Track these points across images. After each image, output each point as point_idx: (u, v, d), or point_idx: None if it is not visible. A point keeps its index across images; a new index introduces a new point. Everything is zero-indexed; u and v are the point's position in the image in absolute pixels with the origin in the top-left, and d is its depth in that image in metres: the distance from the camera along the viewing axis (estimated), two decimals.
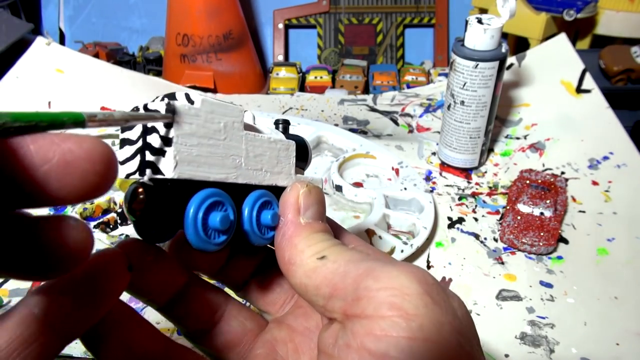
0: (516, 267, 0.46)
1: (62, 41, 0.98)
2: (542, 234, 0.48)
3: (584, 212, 0.52)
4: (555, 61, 0.66)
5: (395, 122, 0.69)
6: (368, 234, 0.48)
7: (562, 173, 0.57)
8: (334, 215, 0.52)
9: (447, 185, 0.57)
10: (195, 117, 0.20)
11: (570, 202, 0.54)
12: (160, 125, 0.19)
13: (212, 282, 0.25)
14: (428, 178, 0.58)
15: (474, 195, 0.56)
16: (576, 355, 0.38)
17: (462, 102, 0.54)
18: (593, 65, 0.71)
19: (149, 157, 0.19)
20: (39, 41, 0.71)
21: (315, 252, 0.20)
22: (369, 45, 0.93)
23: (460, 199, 0.55)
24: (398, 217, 0.50)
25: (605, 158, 0.57)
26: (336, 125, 0.67)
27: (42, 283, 0.18)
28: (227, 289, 0.26)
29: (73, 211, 0.50)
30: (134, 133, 0.20)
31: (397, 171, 0.57)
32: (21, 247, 0.14)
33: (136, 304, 0.43)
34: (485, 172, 0.59)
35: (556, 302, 0.43)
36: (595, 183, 0.55)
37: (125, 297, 0.45)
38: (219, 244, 0.20)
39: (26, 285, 0.44)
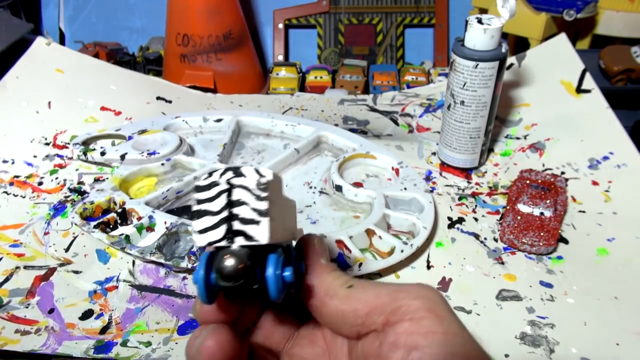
0: (516, 267, 0.46)
1: (62, 41, 0.98)
2: (542, 234, 0.48)
3: (584, 212, 0.52)
4: (555, 61, 0.66)
5: (395, 122, 0.69)
6: (368, 234, 0.48)
7: (562, 173, 0.57)
8: (334, 215, 0.52)
9: (447, 185, 0.57)
10: (270, 190, 0.23)
11: (570, 202, 0.54)
12: (250, 198, 0.22)
13: None
14: (428, 178, 0.58)
15: (474, 195, 0.56)
16: (576, 355, 0.38)
17: (462, 102, 0.54)
18: (593, 65, 0.71)
19: (237, 226, 0.22)
20: (39, 41, 0.71)
21: (343, 283, 0.25)
22: (369, 45, 0.93)
23: (460, 199, 0.55)
24: (398, 217, 0.50)
25: (605, 158, 0.57)
26: (336, 125, 0.67)
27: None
28: None
29: (73, 211, 0.50)
30: (216, 205, 0.23)
31: (397, 171, 0.57)
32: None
33: (136, 304, 0.43)
34: (485, 172, 0.59)
35: (556, 302, 0.43)
36: (595, 183, 0.55)
37: (126, 296, 0.45)
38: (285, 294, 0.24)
39: (26, 285, 0.44)
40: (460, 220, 0.52)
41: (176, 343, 0.39)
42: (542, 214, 0.50)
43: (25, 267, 0.46)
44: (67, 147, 0.62)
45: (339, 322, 0.24)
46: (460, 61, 0.52)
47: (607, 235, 0.49)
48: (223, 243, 0.22)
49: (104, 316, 0.42)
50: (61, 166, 0.59)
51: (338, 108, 0.73)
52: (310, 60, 0.94)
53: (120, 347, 0.39)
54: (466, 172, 0.59)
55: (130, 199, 0.52)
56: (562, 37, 0.67)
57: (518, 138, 0.63)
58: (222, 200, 0.23)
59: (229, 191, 0.23)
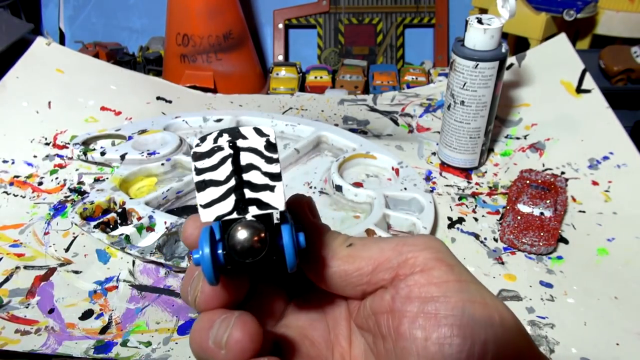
0: (516, 267, 0.46)
1: (62, 41, 0.98)
2: (542, 234, 0.48)
3: (584, 212, 0.52)
4: (555, 61, 0.66)
5: (395, 122, 0.69)
6: (368, 234, 0.48)
7: (562, 173, 0.57)
8: (334, 215, 0.52)
9: (447, 185, 0.57)
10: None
11: (570, 202, 0.54)
12: (260, 162, 0.20)
13: None
14: (428, 178, 0.58)
15: (474, 195, 0.56)
16: (576, 355, 0.38)
17: (462, 102, 0.54)
18: (593, 65, 0.71)
19: (249, 194, 0.20)
20: (39, 41, 0.71)
21: (342, 242, 0.23)
22: (369, 45, 0.93)
23: (460, 199, 0.55)
24: (398, 217, 0.50)
25: (605, 158, 0.57)
26: (336, 125, 0.67)
27: None
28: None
29: (73, 211, 0.50)
30: (221, 173, 0.20)
31: (397, 171, 0.57)
32: None
33: (136, 304, 0.43)
34: (485, 172, 0.59)
35: (556, 302, 0.43)
36: (595, 183, 0.55)
37: (126, 296, 0.45)
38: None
39: (26, 285, 0.44)
40: (460, 220, 0.52)
41: (176, 343, 0.39)
42: (542, 214, 0.50)
43: (25, 267, 0.46)
44: (67, 147, 0.62)
45: (342, 284, 0.23)
46: (460, 61, 0.52)
47: (607, 235, 0.49)
48: (234, 215, 0.20)
49: (104, 316, 0.42)
50: (61, 166, 0.59)
51: (338, 108, 0.73)
52: (310, 60, 0.94)
53: (120, 347, 0.39)
54: (466, 172, 0.59)
55: (130, 199, 0.52)
56: (562, 37, 0.67)
57: (518, 138, 0.63)
58: (228, 167, 0.20)
59: (234, 156, 0.20)
